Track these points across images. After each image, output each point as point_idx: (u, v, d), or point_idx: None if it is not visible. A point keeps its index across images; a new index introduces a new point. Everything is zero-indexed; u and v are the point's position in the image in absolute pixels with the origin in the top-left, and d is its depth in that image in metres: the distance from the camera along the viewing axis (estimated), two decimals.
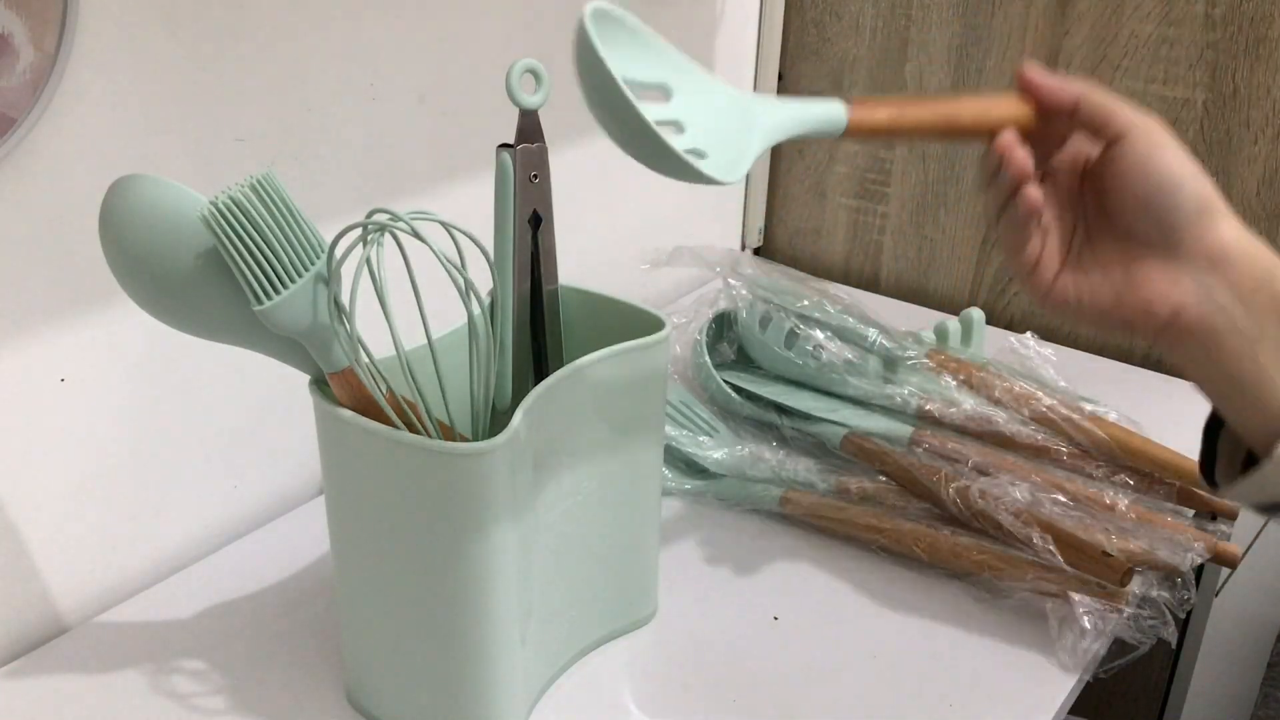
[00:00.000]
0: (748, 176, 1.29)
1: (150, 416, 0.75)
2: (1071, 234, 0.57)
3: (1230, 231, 0.52)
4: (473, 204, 0.81)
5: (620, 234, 1.13)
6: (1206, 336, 0.52)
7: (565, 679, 0.69)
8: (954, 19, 1.11)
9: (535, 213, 0.64)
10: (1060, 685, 0.69)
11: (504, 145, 0.62)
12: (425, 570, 0.59)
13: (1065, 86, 0.55)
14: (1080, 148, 0.57)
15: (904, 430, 0.87)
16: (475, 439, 0.61)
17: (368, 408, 0.57)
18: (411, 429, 0.57)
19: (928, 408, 0.87)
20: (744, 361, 0.98)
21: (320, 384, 0.59)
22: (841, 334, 0.92)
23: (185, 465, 0.78)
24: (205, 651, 0.70)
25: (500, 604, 0.59)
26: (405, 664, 0.62)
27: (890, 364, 0.90)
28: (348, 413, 0.57)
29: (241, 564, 0.79)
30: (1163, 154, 0.53)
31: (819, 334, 0.91)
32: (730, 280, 1.02)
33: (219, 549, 0.81)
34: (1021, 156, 0.54)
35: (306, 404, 0.60)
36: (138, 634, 0.72)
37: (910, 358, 0.90)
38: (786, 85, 1.24)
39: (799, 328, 0.91)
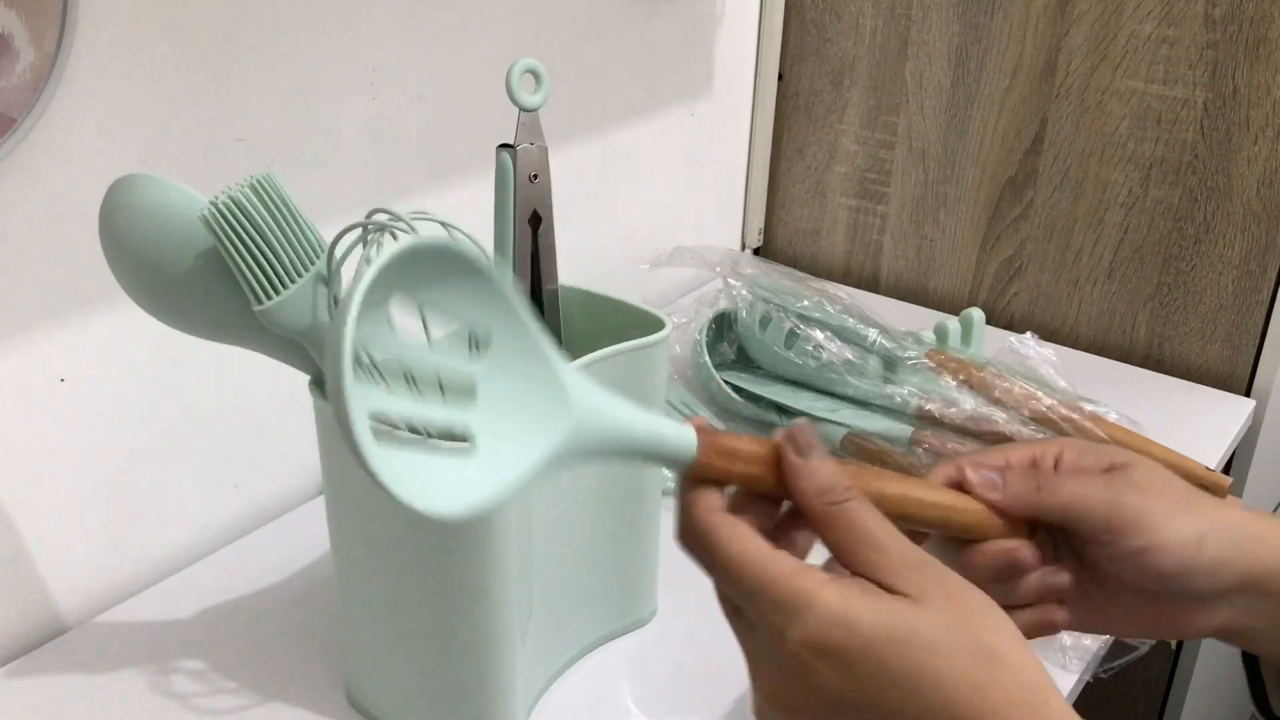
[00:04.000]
0: (747, 176, 1.29)
1: (150, 416, 0.75)
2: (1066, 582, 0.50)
3: (1273, 549, 0.47)
4: (472, 204, 0.81)
5: (620, 234, 1.13)
6: (1249, 638, 0.49)
7: (565, 679, 0.69)
8: (954, 19, 1.11)
9: (535, 213, 0.64)
10: (1060, 685, 0.69)
11: (504, 145, 0.62)
12: (425, 570, 0.59)
13: (1038, 499, 0.47)
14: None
15: (904, 430, 0.87)
16: None
17: None
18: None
19: (928, 408, 0.87)
20: (744, 361, 0.98)
21: (320, 384, 0.59)
22: (841, 334, 0.92)
23: (185, 465, 0.78)
24: (205, 651, 0.70)
25: (500, 604, 0.59)
26: (405, 664, 0.62)
27: (890, 364, 0.90)
28: None
29: (241, 564, 0.79)
30: (1172, 529, 0.46)
31: (819, 334, 0.91)
32: (730, 280, 1.02)
33: (219, 549, 0.81)
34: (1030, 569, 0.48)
35: (306, 404, 0.60)
36: (138, 634, 0.72)
37: (910, 358, 0.90)
38: (786, 85, 1.24)
39: (799, 328, 0.91)
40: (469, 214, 0.63)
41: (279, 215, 0.54)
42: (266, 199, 0.53)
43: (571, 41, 0.98)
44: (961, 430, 0.86)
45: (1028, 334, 1.00)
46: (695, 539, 0.41)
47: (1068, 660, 0.70)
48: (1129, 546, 0.46)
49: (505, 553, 0.58)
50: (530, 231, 0.64)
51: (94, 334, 0.70)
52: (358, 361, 0.35)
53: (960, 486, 0.48)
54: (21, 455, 0.69)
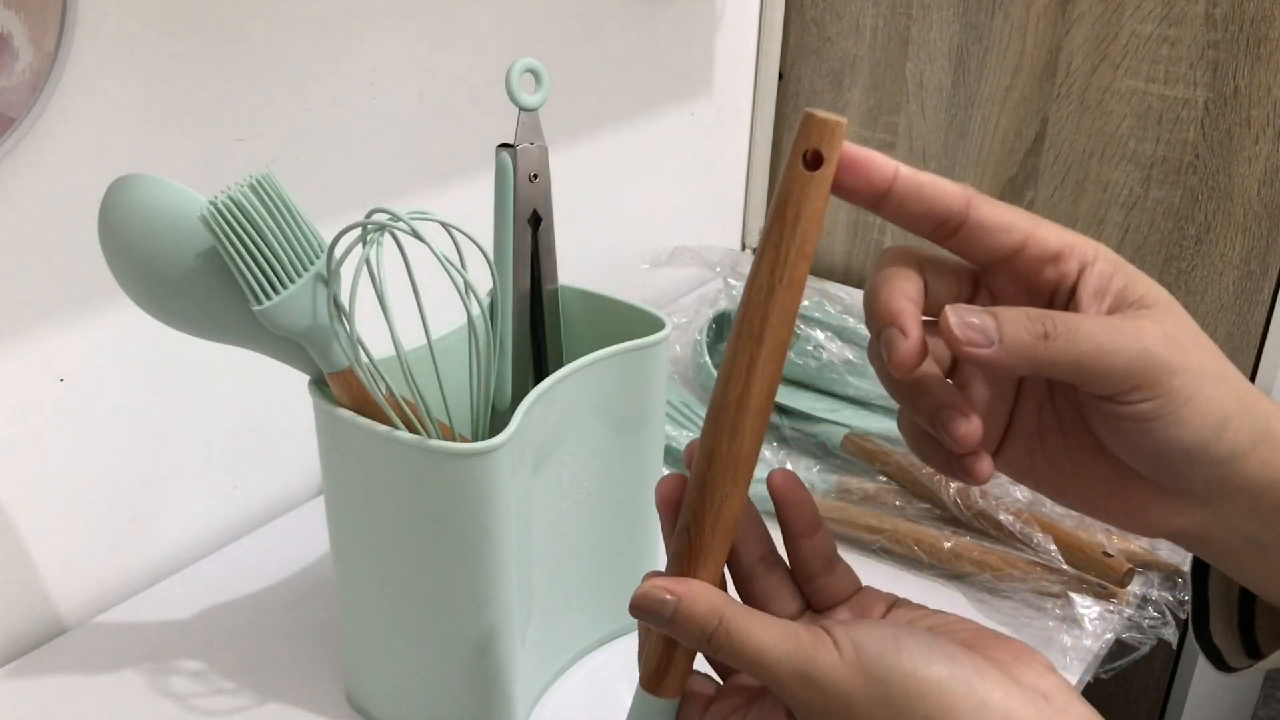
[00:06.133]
0: (747, 176, 1.29)
1: (150, 416, 0.75)
2: (1013, 405, 0.41)
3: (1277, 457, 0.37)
4: (473, 204, 0.81)
5: (620, 234, 1.13)
6: (1209, 548, 0.41)
7: (565, 679, 0.69)
8: (954, 19, 1.11)
9: (535, 212, 0.64)
10: None
11: (504, 145, 0.62)
12: (425, 570, 0.59)
13: (1047, 352, 0.36)
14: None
15: None
16: (475, 439, 0.61)
17: (368, 408, 0.57)
18: (411, 429, 0.57)
19: None
20: None
21: (320, 384, 0.59)
22: (841, 334, 0.92)
23: (185, 465, 0.78)
24: (205, 651, 0.70)
25: (500, 604, 0.59)
26: (405, 664, 0.62)
27: None
28: (347, 413, 0.57)
29: (241, 564, 0.79)
30: (1201, 399, 0.36)
31: (819, 334, 0.91)
32: (730, 280, 1.03)
33: (219, 549, 0.81)
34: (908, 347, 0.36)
35: (306, 404, 0.60)
36: (138, 634, 0.72)
37: None
38: (786, 85, 1.24)
39: (799, 328, 0.91)
40: (469, 214, 0.63)
41: (279, 215, 0.54)
42: (266, 199, 0.53)
43: (571, 41, 0.98)
44: None
45: None
46: None
47: (1068, 662, 0.70)
48: (1141, 410, 0.36)
49: (505, 553, 0.58)
50: (530, 231, 0.64)
51: (94, 334, 0.70)
52: None
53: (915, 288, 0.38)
54: (21, 455, 0.69)
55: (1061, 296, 0.38)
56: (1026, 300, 0.39)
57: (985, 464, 0.39)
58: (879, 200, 0.38)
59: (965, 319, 0.35)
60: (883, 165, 0.37)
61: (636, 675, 0.42)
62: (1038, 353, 0.35)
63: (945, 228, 0.38)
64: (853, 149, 0.37)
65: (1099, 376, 0.36)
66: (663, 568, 0.41)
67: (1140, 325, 0.36)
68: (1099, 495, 0.40)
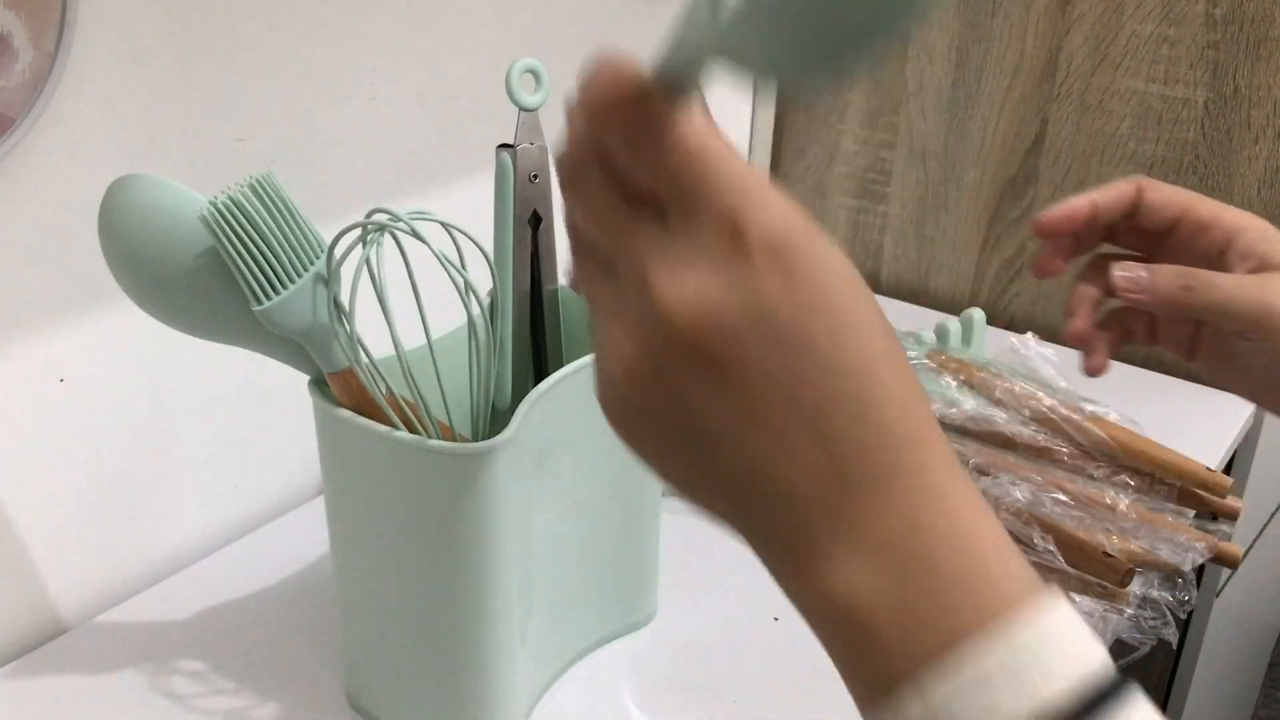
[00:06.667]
0: None
1: (150, 417, 0.75)
2: (1198, 328, 0.54)
3: None
4: (473, 204, 0.81)
5: None
6: None
7: (565, 679, 0.69)
8: (954, 19, 1.11)
9: (535, 212, 0.64)
10: None
11: (504, 145, 0.62)
12: (425, 570, 0.59)
13: (1187, 299, 0.50)
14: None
15: None
16: (475, 439, 0.61)
17: (367, 408, 0.57)
18: (411, 429, 0.57)
19: None
20: None
21: (320, 384, 0.59)
22: None
23: (185, 465, 0.78)
24: (205, 651, 0.70)
25: (500, 604, 0.59)
26: (405, 664, 0.62)
27: None
28: (347, 413, 0.57)
29: (241, 564, 0.79)
30: None
31: None
32: None
33: (219, 549, 0.81)
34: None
35: (306, 404, 0.60)
36: (138, 634, 0.72)
37: (911, 358, 0.90)
38: None
39: None
40: (469, 214, 0.63)
41: (278, 215, 0.54)
42: (266, 199, 0.53)
43: (571, 41, 0.98)
44: (962, 430, 0.86)
45: (1028, 334, 1.00)
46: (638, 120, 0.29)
47: None
48: (1259, 346, 0.49)
49: (505, 553, 0.58)
50: (530, 231, 0.64)
51: (94, 334, 0.70)
52: None
53: (1103, 283, 0.51)
54: (21, 455, 0.69)
55: (1214, 257, 0.50)
56: (1188, 258, 0.51)
57: (1095, 360, 0.53)
58: (1091, 225, 0.52)
59: (1125, 273, 0.50)
60: (1078, 205, 0.52)
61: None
62: (1178, 299, 0.49)
63: (1128, 211, 0.52)
64: (1058, 210, 0.52)
65: (1227, 319, 0.48)
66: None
67: (1265, 283, 0.48)
68: (1268, 396, 0.52)
